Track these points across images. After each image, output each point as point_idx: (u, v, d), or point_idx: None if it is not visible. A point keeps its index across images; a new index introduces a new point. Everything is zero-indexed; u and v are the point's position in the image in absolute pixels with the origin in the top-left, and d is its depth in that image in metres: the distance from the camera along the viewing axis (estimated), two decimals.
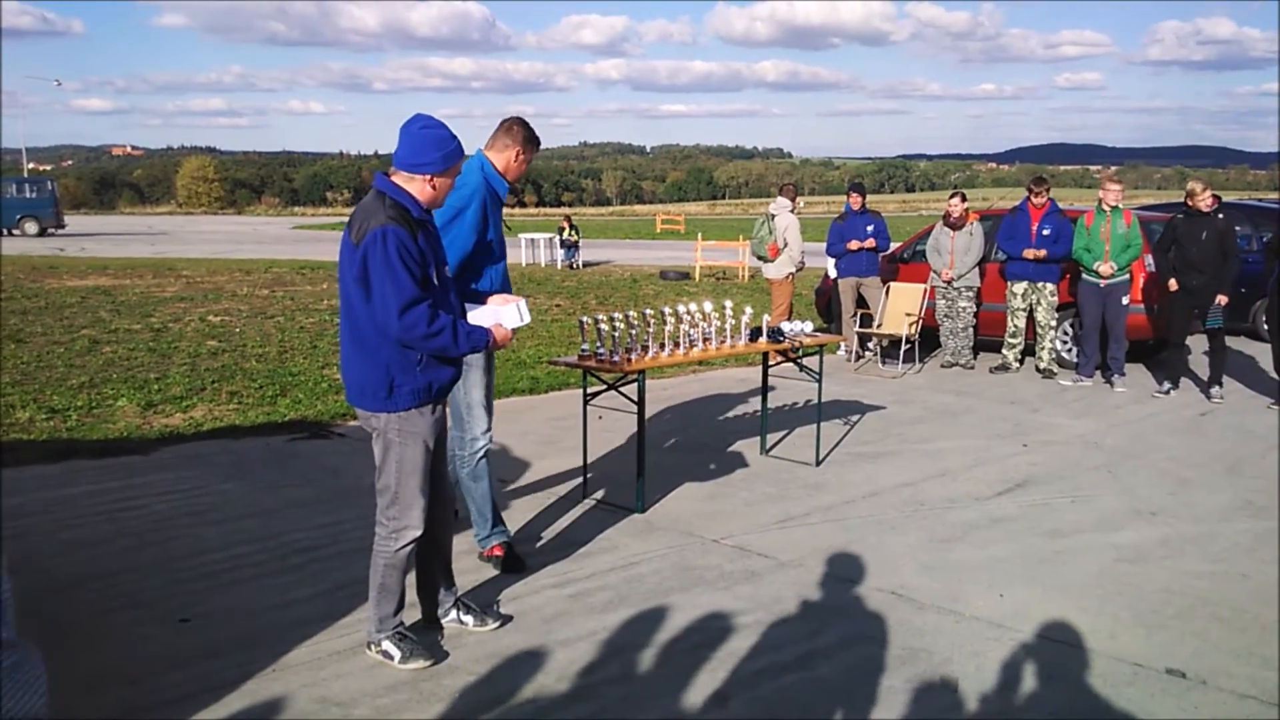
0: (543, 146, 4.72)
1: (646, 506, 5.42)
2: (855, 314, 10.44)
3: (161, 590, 4.23)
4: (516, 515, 5.30)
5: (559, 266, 22.96)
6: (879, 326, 10.14)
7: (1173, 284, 8.51)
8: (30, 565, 4.46)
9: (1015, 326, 9.76)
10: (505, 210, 4.53)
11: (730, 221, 53.72)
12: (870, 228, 10.25)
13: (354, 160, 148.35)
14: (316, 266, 21.63)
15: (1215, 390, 8.49)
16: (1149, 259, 9.36)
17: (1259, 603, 4.23)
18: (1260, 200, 16.45)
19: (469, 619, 3.86)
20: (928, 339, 10.39)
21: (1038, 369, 9.63)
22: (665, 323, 5.51)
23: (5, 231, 33.48)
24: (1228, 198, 13.14)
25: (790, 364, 6.66)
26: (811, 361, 6.44)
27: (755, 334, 5.94)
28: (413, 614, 3.84)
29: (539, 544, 4.88)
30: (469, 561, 4.49)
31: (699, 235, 24.49)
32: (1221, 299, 8.25)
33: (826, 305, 11.66)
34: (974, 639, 3.84)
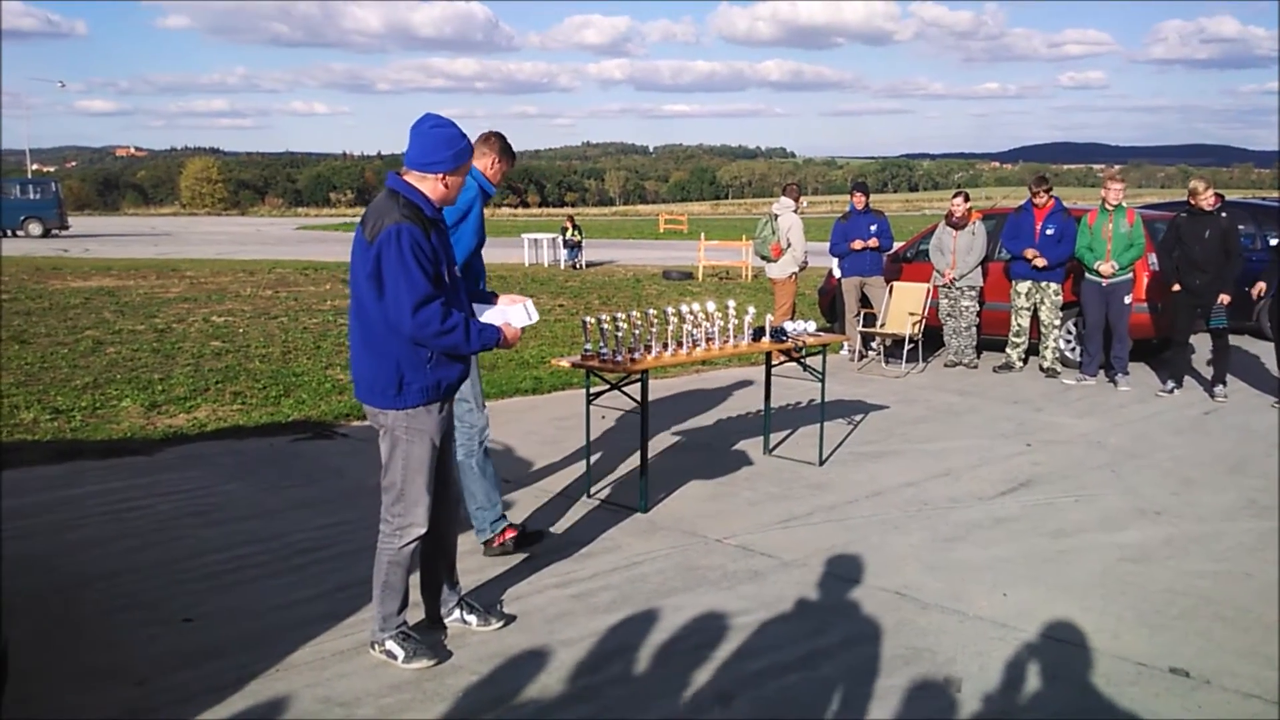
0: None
1: (650, 506, 5.42)
2: (859, 313, 10.44)
3: (165, 590, 4.24)
4: (519, 514, 5.30)
5: (562, 267, 22.96)
6: (882, 326, 10.14)
7: (1175, 286, 8.50)
8: (35, 565, 4.47)
9: (1019, 326, 9.75)
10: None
11: (733, 221, 53.72)
12: (874, 227, 10.24)
13: (357, 161, 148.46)
14: (320, 267, 21.65)
15: (1219, 389, 8.47)
16: (1152, 258, 9.35)
17: (1263, 602, 4.22)
18: (1263, 199, 16.40)
19: (472, 619, 3.87)
20: (931, 338, 10.38)
21: (1041, 368, 9.61)
22: (668, 322, 5.51)
23: (10, 232, 33.56)
24: (1231, 196, 13.11)
25: (793, 364, 6.66)
26: (814, 361, 6.44)
27: (758, 334, 5.94)
28: (416, 614, 3.84)
29: (542, 543, 4.87)
30: (472, 561, 4.50)
31: (702, 235, 24.48)
32: (1224, 298, 8.24)
33: (830, 305, 11.65)
34: (977, 639, 3.84)
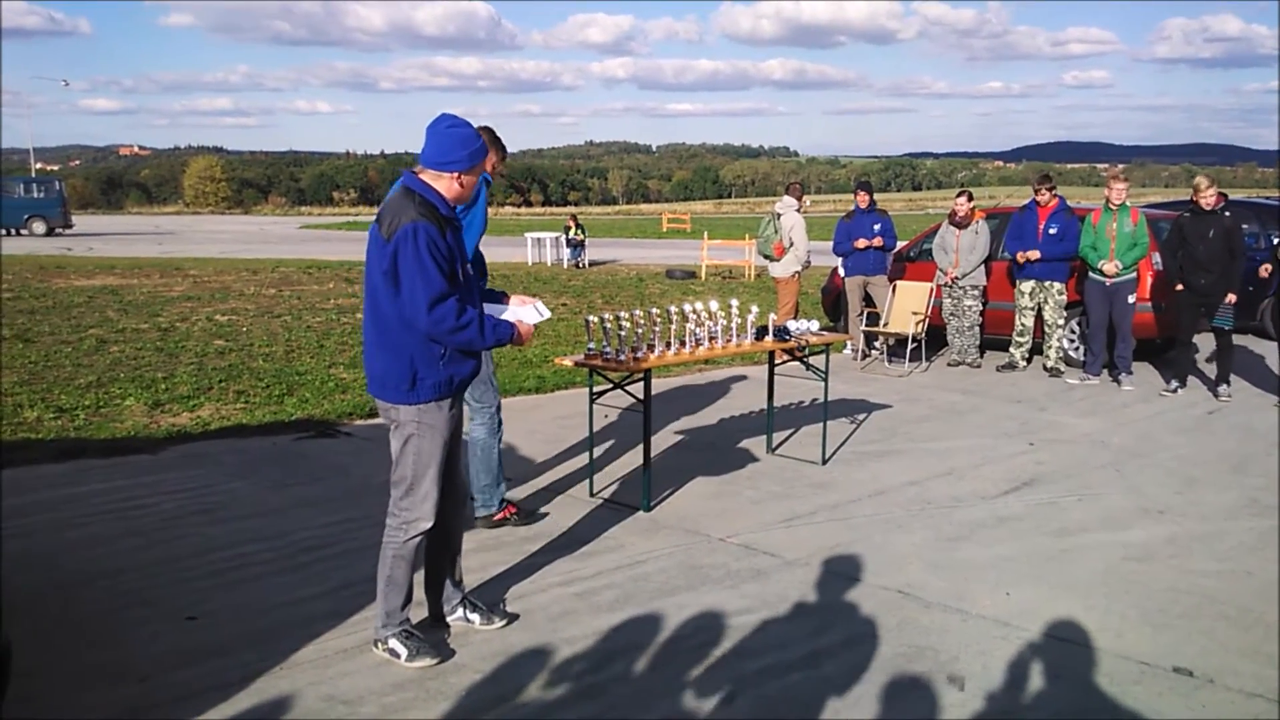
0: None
1: (653, 505, 5.43)
2: (862, 312, 10.43)
3: (169, 588, 4.25)
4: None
5: (565, 265, 22.96)
6: (885, 325, 10.13)
7: (1178, 286, 8.49)
8: (38, 563, 4.49)
9: (1023, 325, 9.75)
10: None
11: (736, 220, 53.70)
12: (877, 226, 10.23)
13: (360, 160, 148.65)
14: (323, 266, 21.67)
15: (1222, 389, 8.46)
16: (1156, 257, 9.34)
17: (1266, 601, 4.21)
18: (1266, 198, 16.38)
19: (475, 617, 3.88)
20: (934, 338, 10.37)
21: (1045, 368, 9.61)
22: (671, 321, 5.51)
23: (13, 231, 33.61)
24: (1235, 195, 13.09)
25: (796, 363, 6.66)
26: (817, 360, 6.44)
27: (761, 333, 5.94)
28: (419, 612, 3.85)
29: (545, 542, 4.88)
30: (475, 560, 4.50)
31: (705, 234, 24.47)
32: (1231, 298, 8.22)
33: (833, 304, 11.65)
34: (980, 638, 3.84)
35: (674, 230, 41.76)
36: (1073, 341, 9.92)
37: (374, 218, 3.51)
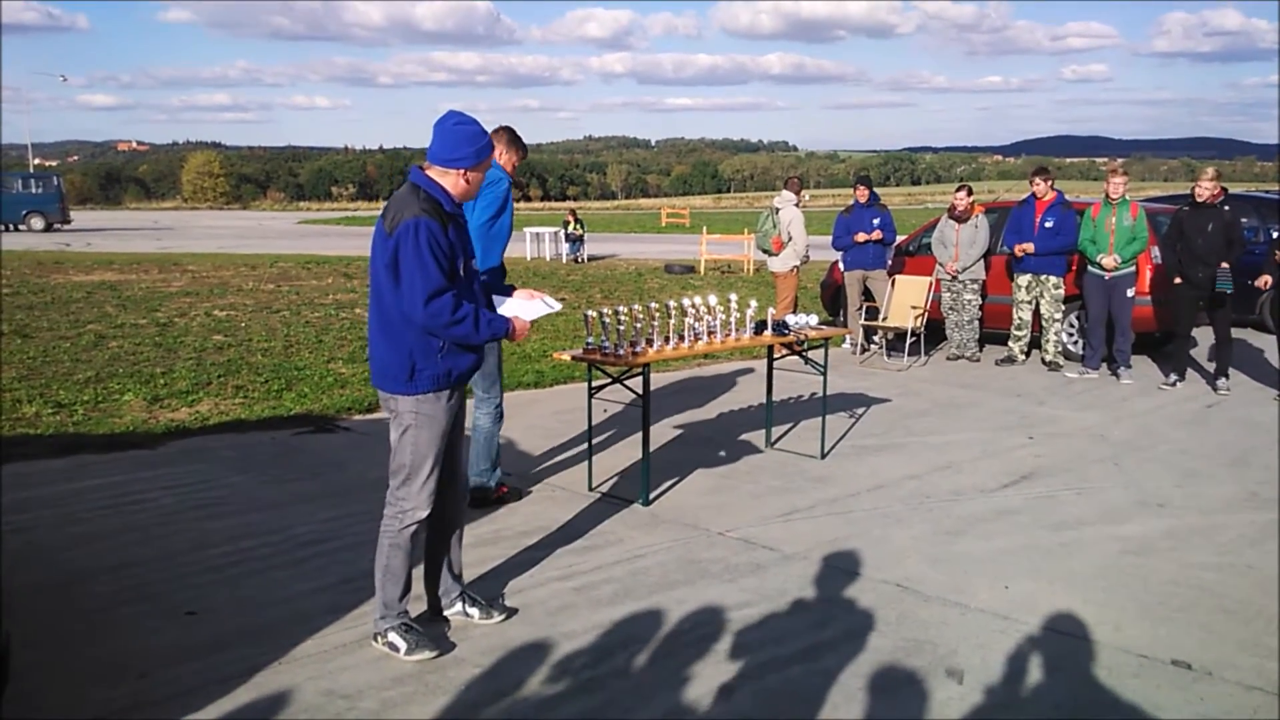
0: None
1: (651, 499, 5.43)
2: (861, 307, 10.42)
3: (168, 583, 4.25)
4: (521, 508, 5.32)
5: (564, 260, 22.95)
6: (884, 319, 10.13)
7: (1176, 279, 8.49)
8: (37, 559, 4.48)
9: (1021, 319, 9.75)
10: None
11: (735, 215, 53.68)
12: (876, 221, 10.22)
13: (359, 155, 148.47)
14: (322, 261, 21.66)
15: (1221, 382, 8.46)
16: (1155, 251, 9.33)
17: (1264, 594, 4.22)
18: (1265, 192, 16.37)
19: (474, 611, 3.88)
20: (933, 332, 10.37)
21: (1044, 361, 9.61)
22: (670, 316, 5.51)
23: (12, 227, 33.57)
24: (1234, 189, 13.08)
25: (795, 357, 6.66)
26: (816, 354, 6.43)
27: (760, 327, 5.94)
28: (419, 606, 3.85)
29: (544, 537, 4.88)
30: (474, 554, 4.50)
31: (704, 229, 24.47)
32: (1224, 265, 8.15)
33: (832, 298, 11.64)
34: (979, 631, 3.84)
35: (673, 225, 41.73)
36: (1071, 335, 9.92)
37: (379, 213, 3.54)
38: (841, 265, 10.74)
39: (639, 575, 4.39)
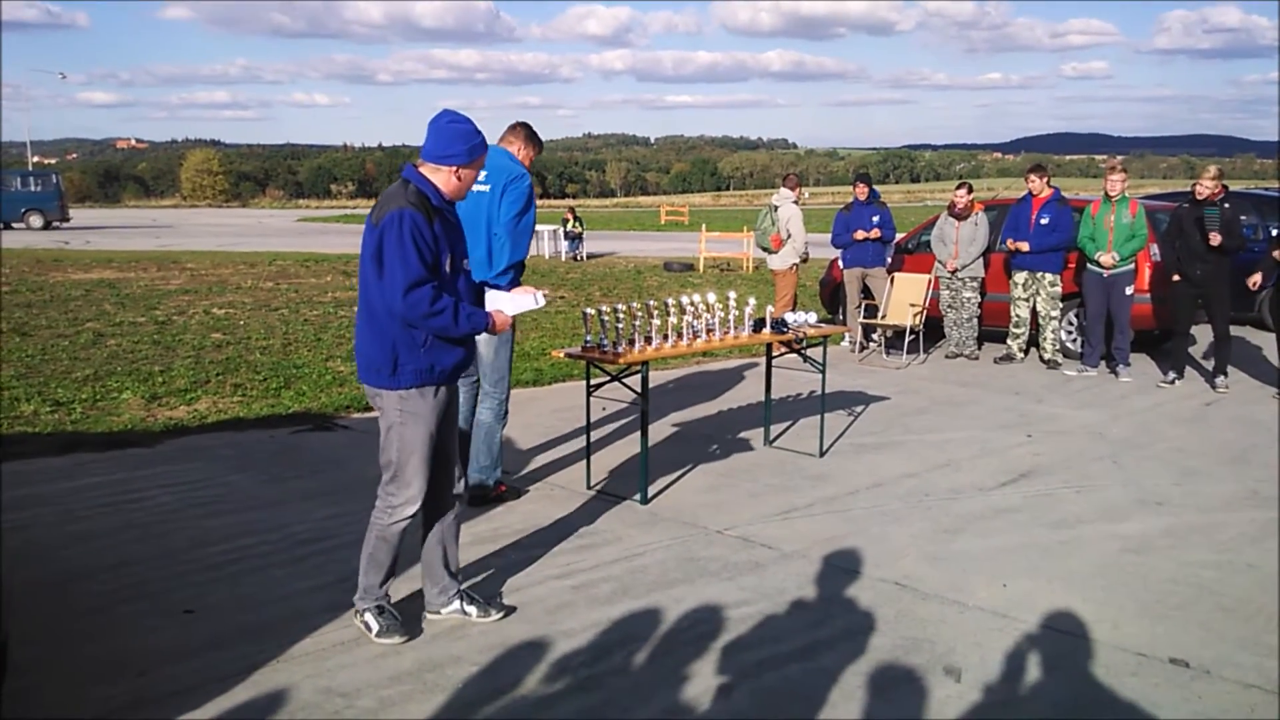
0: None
1: (650, 498, 5.42)
2: (860, 304, 10.42)
3: (167, 582, 4.24)
4: (520, 507, 5.32)
5: (563, 258, 22.94)
6: (883, 317, 10.13)
7: (1175, 277, 8.49)
8: (36, 557, 4.48)
9: (1019, 317, 9.74)
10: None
11: (735, 213, 53.66)
12: (876, 218, 10.22)
13: (358, 153, 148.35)
14: (320, 259, 21.64)
15: (1220, 380, 8.46)
16: (1154, 249, 9.33)
17: (1264, 592, 4.22)
18: (1265, 190, 16.36)
19: (472, 610, 3.88)
20: (932, 330, 10.37)
21: (1042, 359, 9.60)
22: (669, 314, 5.50)
23: (10, 225, 33.54)
24: (1234, 187, 13.06)
25: (794, 355, 6.65)
26: (815, 352, 6.43)
27: (759, 325, 5.94)
28: (402, 589, 3.85)
29: (542, 535, 4.88)
30: (472, 552, 4.50)
31: (703, 227, 24.45)
32: (1214, 238, 8.11)
33: (831, 296, 11.64)
34: (977, 629, 3.84)
35: (672, 223, 41.74)
36: (1070, 333, 9.91)
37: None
38: (841, 263, 10.74)
39: (637, 573, 4.39)
